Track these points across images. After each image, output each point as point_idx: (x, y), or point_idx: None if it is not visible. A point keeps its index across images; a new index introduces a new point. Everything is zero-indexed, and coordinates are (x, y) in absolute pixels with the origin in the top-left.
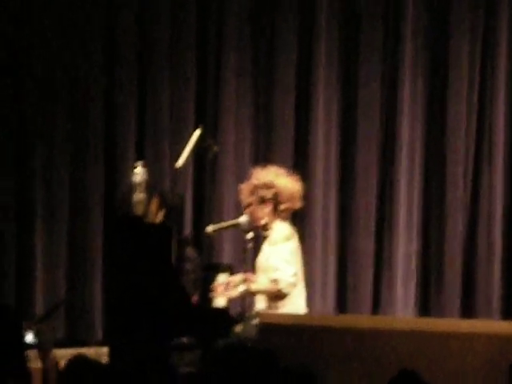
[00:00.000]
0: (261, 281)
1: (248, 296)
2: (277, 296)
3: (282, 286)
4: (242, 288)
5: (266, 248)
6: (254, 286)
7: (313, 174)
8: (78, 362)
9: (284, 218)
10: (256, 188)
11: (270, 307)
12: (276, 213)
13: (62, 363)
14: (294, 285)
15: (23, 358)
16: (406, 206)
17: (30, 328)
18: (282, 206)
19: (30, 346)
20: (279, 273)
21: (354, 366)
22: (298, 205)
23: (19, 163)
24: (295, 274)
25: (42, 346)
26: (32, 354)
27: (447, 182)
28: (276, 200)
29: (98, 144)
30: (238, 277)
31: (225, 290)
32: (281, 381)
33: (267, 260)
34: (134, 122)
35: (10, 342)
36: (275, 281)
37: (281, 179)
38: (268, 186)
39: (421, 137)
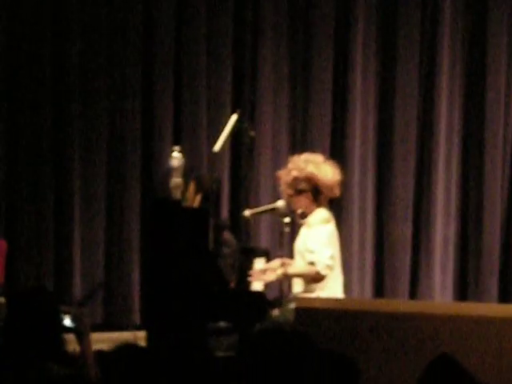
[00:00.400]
0: (298, 264)
1: (285, 279)
2: (314, 279)
3: (319, 268)
4: (279, 271)
5: (303, 231)
6: (291, 270)
7: (350, 159)
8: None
9: (322, 205)
10: (296, 180)
11: (306, 291)
12: (314, 201)
13: (100, 347)
14: (331, 267)
15: (61, 341)
16: (443, 191)
17: (67, 312)
18: (322, 197)
19: (67, 330)
20: (316, 255)
21: (392, 350)
22: (336, 193)
23: (57, 150)
24: (332, 257)
25: (79, 330)
26: (69, 337)
27: (485, 165)
28: (315, 190)
29: (135, 129)
30: (276, 262)
31: (262, 275)
32: (318, 365)
33: (304, 243)
34: (172, 106)
35: (47, 325)
36: (312, 263)
37: (321, 170)
38: (309, 178)
39: (459, 122)
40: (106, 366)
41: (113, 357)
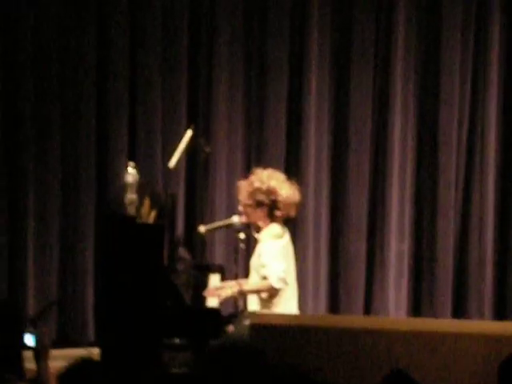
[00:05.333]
0: (253, 280)
1: (241, 296)
2: (270, 293)
3: (273, 281)
4: (234, 288)
5: (258, 248)
6: (246, 286)
7: (304, 175)
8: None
9: (277, 221)
10: (256, 191)
11: (262, 308)
12: (270, 217)
13: (54, 364)
14: (284, 280)
15: (21, 356)
16: (397, 207)
17: (28, 330)
18: (278, 213)
19: (27, 348)
20: (268, 269)
21: (346, 366)
22: (292, 213)
23: (10, 166)
24: (284, 270)
25: (38, 350)
26: (28, 354)
27: (439, 182)
28: (273, 206)
29: (89, 144)
30: (231, 283)
31: (218, 291)
32: (273, 381)
33: (259, 258)
34: (126, 122)
35: (11, 338)
36: (265, 277)
37: (283, 187)
38: (270, 192)
39: (413, 139)
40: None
41: (71, 372)
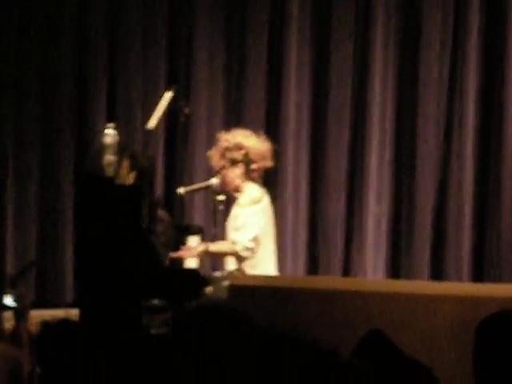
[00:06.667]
0: (222, 242)
1: (206, 256)
2: (236, 258)
3: (239, 248)
4: (200, 248)
5: (235, 209)
6: (212, 247)
7: (284, 136)
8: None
9: (256, 179)
10: (226, 151)
11: (240, 270)
12: (248, 173)
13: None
14: (251, 249)
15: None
16: (376, 169)
17: (7, 290)
18: (254, 166)
19: (7, 308)
20: (239, 235)
21: (324, 327)
22: (269, 163)
23: None
24: (254, 239)
25: (19, 310)
26: (7, 315)
27: (418, 144)
28: (247, 160)
29: (68, 105)
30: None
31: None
32: (252, 342)
33: (235, 221)
34: (105, 83)
35: None
36: (233, 242)
37: (249, 140)
38: (238, 147)
39: (392, 99)
40: (43, 342)
41: (48, 332)
